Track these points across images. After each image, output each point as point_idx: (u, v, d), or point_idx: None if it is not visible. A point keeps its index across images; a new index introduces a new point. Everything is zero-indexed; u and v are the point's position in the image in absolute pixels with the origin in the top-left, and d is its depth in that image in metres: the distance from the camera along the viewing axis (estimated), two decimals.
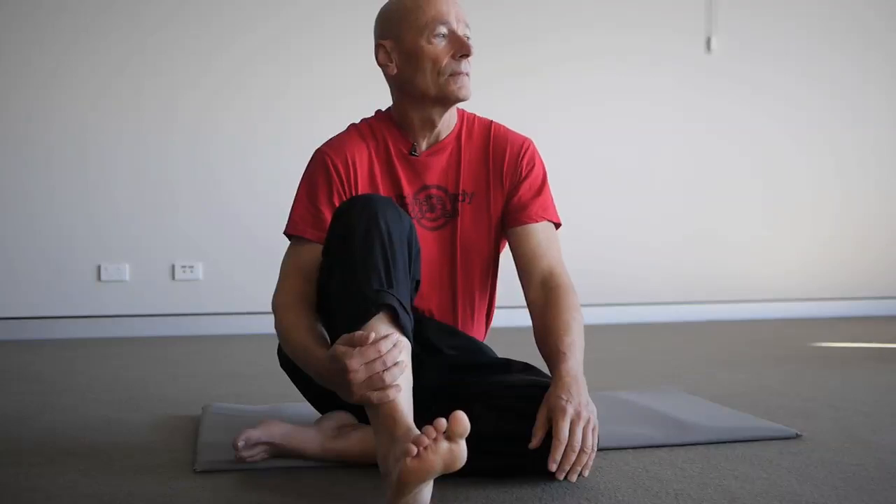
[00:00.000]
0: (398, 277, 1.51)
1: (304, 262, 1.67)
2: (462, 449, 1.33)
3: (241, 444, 1.65)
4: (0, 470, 1.70)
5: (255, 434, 1.67)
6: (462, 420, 1.30)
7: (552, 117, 4.27)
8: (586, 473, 1.51)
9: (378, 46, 1.74)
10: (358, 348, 1.37)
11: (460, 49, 1.68)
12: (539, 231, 1.76)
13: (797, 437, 1.91)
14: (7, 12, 3.88)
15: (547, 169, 1.84)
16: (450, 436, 1.31)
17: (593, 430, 1.50)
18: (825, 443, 1.87)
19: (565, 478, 1.48)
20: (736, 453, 1.78)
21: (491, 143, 1.79)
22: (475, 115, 1.84)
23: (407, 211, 1.72)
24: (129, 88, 3.99)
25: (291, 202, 1.76)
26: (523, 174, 1.78)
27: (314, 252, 1.65)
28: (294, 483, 1.59)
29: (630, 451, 1.80)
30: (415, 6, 1.69)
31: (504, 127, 1.84)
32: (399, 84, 1.74)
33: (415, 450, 1.29)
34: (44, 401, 2.41)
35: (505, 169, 1.78)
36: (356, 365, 1.36)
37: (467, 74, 1.70)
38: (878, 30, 4.74)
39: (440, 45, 1.68)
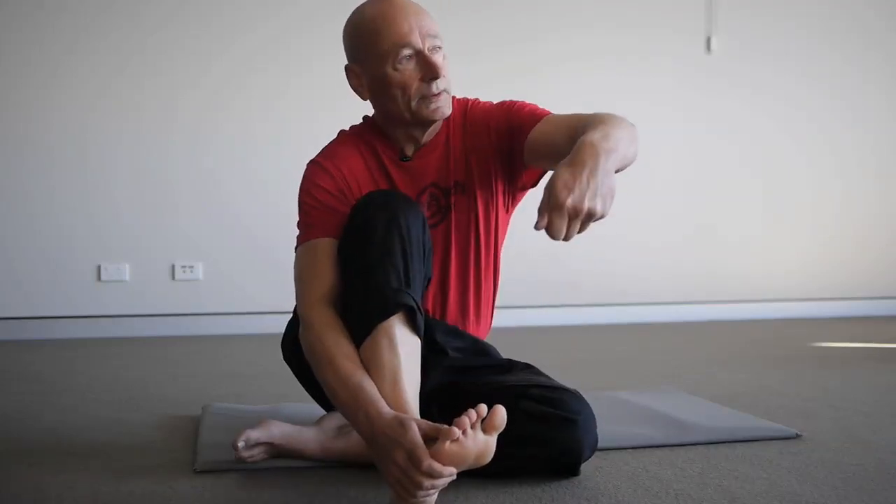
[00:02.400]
0: (414, 276, 1.51)
1: (326, 258, 1.57)
2: (493, 444, 1.35)
3: (241, 444, 1.65)
4: (0, 470, 1.70)
5: (255, 434, 1.67)
6: (502, 414, 1.33)
7: None
8: (577, 231, 1.32)
9: (348, 70, 1.68)
10: (437, 479, 1.31)
11: (428, 72, 1.58)
12: (547, 121, 1.62)
13: (797, 437, 1.91)
14: (7, 12, 3.88)
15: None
16: (486, 427, 1.32)
17: (605, 197, 1.31)
18: (825, 443, 1.87)
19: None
20: (736, 453, 1.78)
21: (468, 122, 1.71)
22: (456, 99, 1.74)
23: None
24: (129, 88, 3.99)
25: (296, 211, 1.68)
26: (506, 117, 1.68)
27: (331, 247, 1.58)
28: (294, 483, 1.59)
29: (630, 451, 1.80)
30: (374, 30, 1.58)
31: (479, 101, 1.76)
32: (375, 106, 1.69)
33: (457, 433, 1.30)
34: (44, 401, 2.41)
35: (486, 133, 1.69)
36: (425, 484, 1.31)
37: (440, 94, 1.60)
38: (878, 30, 4.74)
39: (407, 69, 1.58)
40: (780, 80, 4.61)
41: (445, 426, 1.32)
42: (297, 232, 1.67)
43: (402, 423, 1.34)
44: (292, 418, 1.88)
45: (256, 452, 1.68)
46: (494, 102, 1.76)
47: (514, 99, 1.75)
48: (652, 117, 4.48)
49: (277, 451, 1.70)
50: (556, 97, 4.32)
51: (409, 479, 1.32)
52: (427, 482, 1.31)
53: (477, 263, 1.77)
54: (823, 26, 4.67)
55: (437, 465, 1.30)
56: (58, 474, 1.66)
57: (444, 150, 1.72)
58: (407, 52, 1.57)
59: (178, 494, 1.54)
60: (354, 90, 1.69)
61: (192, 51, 4.03)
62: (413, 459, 1.31)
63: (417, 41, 1.58)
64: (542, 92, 4.32)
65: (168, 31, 4.01)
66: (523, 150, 1.66)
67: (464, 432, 1.30)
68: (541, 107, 1.70)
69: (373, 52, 1.60)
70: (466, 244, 1.75)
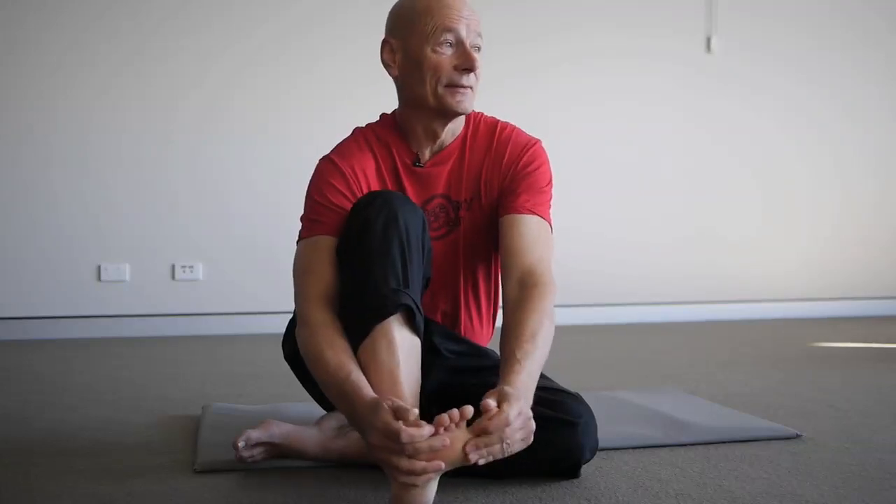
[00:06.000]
0: (413, 276, 1.51)
1: (327, 256, 1.58)
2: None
3: (241, 444, 1.65)
4: (0, 470, 1.70)
5: (255, 434, 1.67)
6: (470, 411, 1.32)
7: (552, 118, 4.26)
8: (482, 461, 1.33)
9: (385, 42, 1.68)
10: (419, 451, 1.29)
11: (464, 62, 1.59)
12: (526, 223, 1.65)
13: (797, 437, 1.91)
14: (7, 12, 3.88)
15: (553, 176, 1.75)
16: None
17: (523, 439, 1.36)
18: (825, 443, 1.87)
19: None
20: (736, 453, 1.78)
21: (494, 144, 1.72)
22: (482, 115, 1.77)
23: None
24: (129, 88, 3.98)
25: (298, 207, 1.69)
26: (522, 171, 1.70)
27: (334, 245, 1.59)
28: (294, 483, 1.59)
29: (630, 451, 1.80)
30: (426, 10, 1.60)
31: (512, 126, 1.76)
32: (400, 87, 1.69)
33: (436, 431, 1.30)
34: (44, 401, 2.41)
35: (503, 168, 1.71)
36: (404, 466, 1.29)
37: (469, 88, 1.62)
38: (878, 30, 4.73)
39: (445, 54, 1.60)
40: (780, 81, 4.61)
41: (408, 407, 1.31)
42: (296, 231, 1.67)
43: (374, 406, 1.34)
44: (292, 418, 1.88)
45: (256, 452, 1.68)
46: (527, 137, 1.75)
47: (544, 155, 1.74)
48: (652, 117, 4.49)
49: (277, 451, 1.70)
50: (557, 97, 4.36)
51: (392, 460, 1.30)
52: (405, 463, 1.28)
53: (485, 275, 1.79)
54: (823, 26, 4.66)
55: (415, 432, 1.27)
56: (58, 474, 1.66)
57: (458, 162, 1.72)
58: (450, 37, 1.60)
59: (178, 494, 1.54)
60: (385, 64, 1.69)
61: (192, 51, 4.03)
62: (389, 435, 1.29)
63: (463, 31, 1.60)
64: (542, 92, 4.35)
65: (168, 31, 4.01)
66: (497, 212, 1.70)
67: (446, 429, 1.30)
68: (546, 204, 1.71)
69: (417, 29, 1.61)
70: (474, 258, 1.76)
